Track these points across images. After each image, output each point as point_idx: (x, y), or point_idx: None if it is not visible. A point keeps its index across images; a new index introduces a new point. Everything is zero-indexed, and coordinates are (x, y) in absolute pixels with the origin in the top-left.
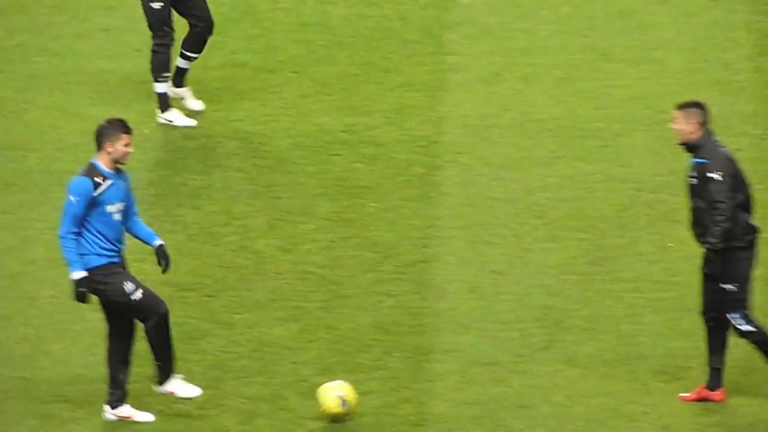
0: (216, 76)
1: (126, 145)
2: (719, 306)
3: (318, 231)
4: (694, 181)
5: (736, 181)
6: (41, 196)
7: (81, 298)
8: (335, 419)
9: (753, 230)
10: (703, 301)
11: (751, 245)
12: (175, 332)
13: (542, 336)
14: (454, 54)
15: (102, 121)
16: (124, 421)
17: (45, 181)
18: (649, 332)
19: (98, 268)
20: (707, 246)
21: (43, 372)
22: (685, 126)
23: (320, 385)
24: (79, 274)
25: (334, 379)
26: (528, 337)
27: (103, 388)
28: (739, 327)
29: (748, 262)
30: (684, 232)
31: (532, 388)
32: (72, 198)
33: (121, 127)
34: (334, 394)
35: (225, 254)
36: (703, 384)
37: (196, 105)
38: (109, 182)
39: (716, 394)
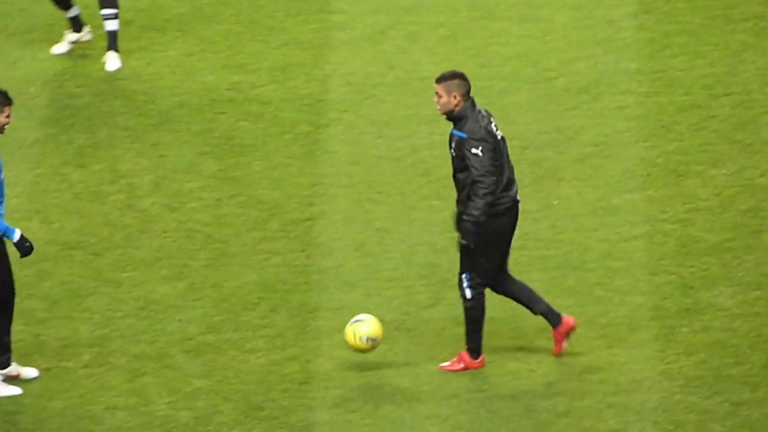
0: (102, 35)
1: (7, 117)
2: (499, 272)
3: (203, 189)
4: (454, 153)
5: (495, 155)
6: None
7: (27, 251)
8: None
9: (503, 200)
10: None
11: (498, 215)
12: (61, 290)
13: (428, 293)
14: (339, 12)
15: None
16: (12, 379)
17: None
18: (535, 289)
19: None
20: (466, 218)
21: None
22: (447, 98)
23: (207, 343)
24: (18, 234)
25: (220, 337)
26: (414, 294)
27: None
28: (464, 288)
29: (494, 230)
30: (569, 189)
31: (418, 345)
32: None
33: (3, 98)
34: (360, 337)
35: (111, 213)
36: (465, 351)
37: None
38: None
39: (476, 362)
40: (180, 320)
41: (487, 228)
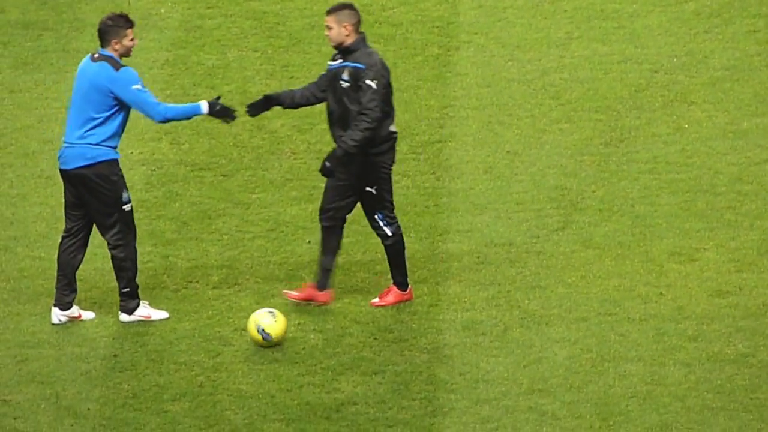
0: None
1: (131, 40)
2: (343, 209)
3: None
4: (346, 84)
5: (387, 91)
6: (57, 75)
7: (228, 114)
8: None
9: (393, 136)
10: (322, 200)
11: (390, 150)
12: (191, 211)
13: (558, 217)
14: None
15: (104, 18)
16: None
17: (61, 60)
18: (665, 213)
19: (115, 161)
20: (344, 146)
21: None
22: (338, 29)
23: (336, 265)
24: (205, 105)
25: (349, 259)
26: (543, 217)
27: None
28: (382, 227)
29: (388, 166)
30: (699, 113)
31: (547, 269)
32: (138, 86)
33: (124, 22)
34: (256, 325)
35: (241, 134)
36: (313, 283)
37: None
38: None
39: (323, 295)
40: (309, 242)
41: (388, 160)
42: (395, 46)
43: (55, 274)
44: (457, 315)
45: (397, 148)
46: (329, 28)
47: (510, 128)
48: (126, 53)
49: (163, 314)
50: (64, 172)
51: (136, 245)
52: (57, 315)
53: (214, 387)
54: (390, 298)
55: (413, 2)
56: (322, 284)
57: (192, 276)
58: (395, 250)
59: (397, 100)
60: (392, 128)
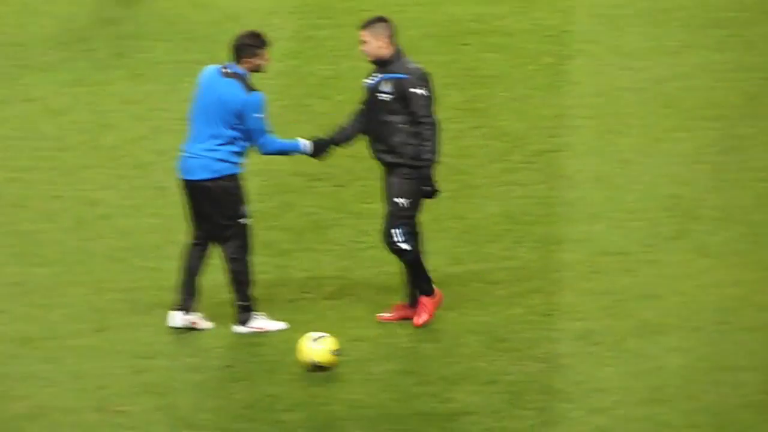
0: None
1: (265, 59)
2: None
3: (448, 120)
4: (388, 96)
5: (433, 98)
6: (170, 86)
7: (320, 150)
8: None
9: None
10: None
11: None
12: (305, 222)
13: (672, 225)
14: None
15: (241, 35)
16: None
17: (174, 72)
18: None
19: (238, 175)
20: (428, 163)
21: (172, 262)
22: (375, 42)
23: (451, 275)
24: (307, 145)
25: (464, 269)
26: (657, 226)
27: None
28: (397, 243)
29: (418, 182)
30: None
31: (661, 277)
32: (260, 114)
33: (261, 41)
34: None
35: (355, 144)
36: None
37: None
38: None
39: (436, 299)
40: (424, 252)
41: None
42: (508, 55)
43: (174, 282)
44: (572, 324)
45: (510, 157)
46: (364, 42)
47: (623, 137)
48: (256, 70)
49: (281, 325)
50: (186, 182)
51: (252, 258)
52: (177, 318)
53: (328, 397)
54: (427, 314)
55: (527, 11)
56: (430, 290)
57: (306, 286)
58: (416, 263)
59: (510, 109)
60: None
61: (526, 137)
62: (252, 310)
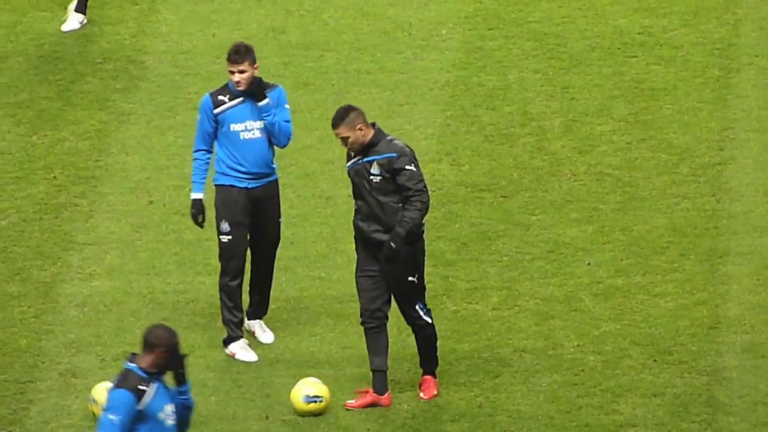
0: None
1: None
2: (386, 303)
3: (614, 132)
4: (378, 178)
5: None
6: (338, 95)
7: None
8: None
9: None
10: (362, 302)
11: (422, 236)
12: (470, 232)
13: None
14: None
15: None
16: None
17: (342, 81)
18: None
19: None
20: (403, 224)
21: (339, 271)
22: (355, 134)
23: (616, 287)
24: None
25: (629, 281)
26: None
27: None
28: (423, 318)
29: (423, 253)
30: None
31: None
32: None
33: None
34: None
35: (521, 155)
36: (371, 389)
37: None
38: (234, 101)
39: (384, 398)
40: (589, 264)
41: (423, 245)
42: (676, 68)
43: (338, 293)
44: (737, 337)
45: (677, 170)
46: (345, 138)
47: None
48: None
49: (252, 357)
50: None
51: (226, 278)
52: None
53: (494, 408)
54: (433, 391)
55: (694, 24)
56: (380, 388)
57: (471, 297)
58: (434, 337)
59: (676, 122)
60: None
61: (693, 150)
62: (229, 336)
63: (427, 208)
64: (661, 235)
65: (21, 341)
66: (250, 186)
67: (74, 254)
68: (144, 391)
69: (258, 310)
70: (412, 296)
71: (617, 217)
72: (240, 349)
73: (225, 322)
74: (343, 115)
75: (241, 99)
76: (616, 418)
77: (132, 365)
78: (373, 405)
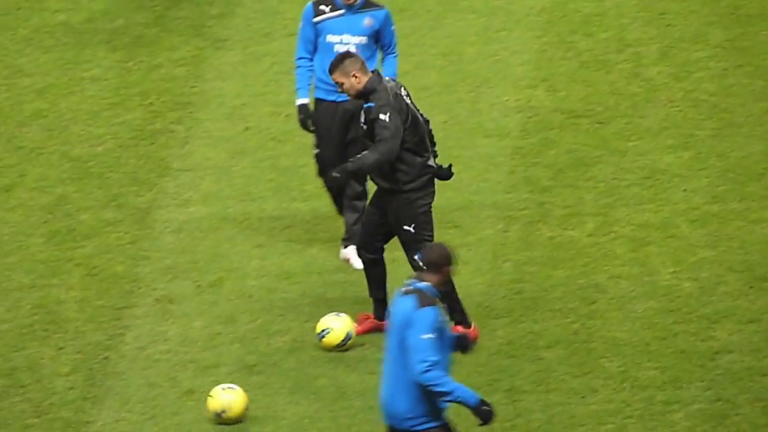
0: None
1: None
2: (381, 240)
3: (710, 59)
4: (366, 126)
5: (414, 123)
6: (434, 21)
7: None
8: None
9: (428, 170)
10: (365, 234)
11: (426, 185)
12: (566, 159)
13: None
14: None
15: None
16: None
17: (438, 7)
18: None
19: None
20: (354, 160)
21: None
22: (348, 81)
23: (712, 213)
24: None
25: (725, 207)
26: None
27: (494, 214)
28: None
29: (425, 202)
30: None
31: None
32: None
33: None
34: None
35: (617, 81)
36: (372, 314)
37: None
38: (335, 13)
39: (384, 324)
40: (685, 190)
41: (425, 197)
42: None
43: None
44: None
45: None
46: (340, 84)
47: None
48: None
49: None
50: None
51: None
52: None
53: (589, 334)
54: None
55: None
56: (380, 315)
57: (567, 223)
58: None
59: None
60: (430, 162)
61: None
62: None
63: (388, 157)
64: (757, 162)
65: (117, 267)
66: (338, 99)
67: (170, 180)
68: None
69: (352, 236)
70: (408, 245)
71: (713, 143)
72: (354, 254)
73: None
74: (337, 63)
75: (341, 11)
76: (711, 345)
77: (423, 284)
78: (375, 330)
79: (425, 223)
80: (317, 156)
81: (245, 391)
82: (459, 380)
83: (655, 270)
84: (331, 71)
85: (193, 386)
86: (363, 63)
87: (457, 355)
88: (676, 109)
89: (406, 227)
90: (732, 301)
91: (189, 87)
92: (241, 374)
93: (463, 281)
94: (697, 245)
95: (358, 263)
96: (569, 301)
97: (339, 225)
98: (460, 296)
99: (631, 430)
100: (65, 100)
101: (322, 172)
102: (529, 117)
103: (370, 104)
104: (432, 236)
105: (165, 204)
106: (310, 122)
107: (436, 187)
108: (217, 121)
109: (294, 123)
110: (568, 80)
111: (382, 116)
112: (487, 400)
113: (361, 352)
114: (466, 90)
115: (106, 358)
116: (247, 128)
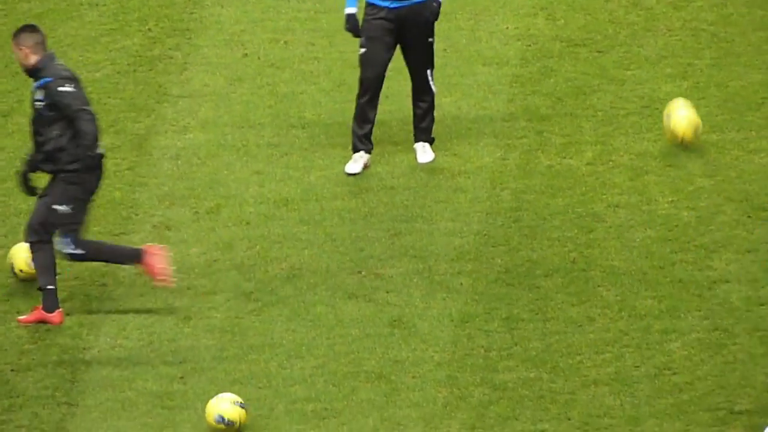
0: None
1: None
2: (48, 227)
3: None
4: (41, 103)
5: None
6: None
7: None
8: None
9: (89, 156)
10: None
11: (87, 170)
12: (565, 87)
13: None
14: None
15: None
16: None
17: None
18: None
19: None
20: (84, 155)
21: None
22: (20, 52)
23: (711, 142)
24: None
25: (724, 137)
26: None
27: (492, 143)
28: (66, 251)
29: (82, 186)
30: None
31: None
32: None
33: None
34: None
35: (616, 10)
36: (40, 306)
37: None
38: None
39: (54, 316)
40: None
41: (88, 183)
42: None
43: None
44: None
45: None
46: (15, 54)
47: None
48: None
49: (352, 169)
50: None
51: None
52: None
53: (587, 263)
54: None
55: None
56: (49, 306)
57: (566, 152)
58: (97, 258)
59: None
60: (100, 150)
61: None
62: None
63: (95, 121)
64: (756, 91)
65: (115, 193)
66: (392, 6)
67: (168, 107)
68: None
69: (419, 134)
70: (57, 225)
71: (712, 72)
72: (350, 161)
73: (352, 132)
74: (18, 33)
75: None
76: (709, 274)
77: None
78: (42, 321)
79: (80, 208)
80: (361, 56)
81: (243, 325)
82: (456, 307)
83: (653, 199)
84: (12, 38)
85: (190, 313)
86: (40, 41)
87: (454, 284)
88: (675, 38)
89: (56, 207)
90: (730, 231)
91: (188, 13)
92: (238, 301)
93: (462, 209)
94: (695, 174)
95: (421, 157)
96: (567, 229)
97: (337, 152)
98: (457, 225)
99: (628, 359)
100: (64, 26)
101: (363, 71)
102: (528, 45)
103: (47, 79)
104: (81, 222)
105: (163, 130)
106: (356, 32)
107: None
108: (216, 47)
109: (292, 49)
110: (567, 8)
111: (65, 88)
112: (486, 327)
113: (359, 279)
114: (465, 17)
115: (103, 284)
116: (245, 54)
